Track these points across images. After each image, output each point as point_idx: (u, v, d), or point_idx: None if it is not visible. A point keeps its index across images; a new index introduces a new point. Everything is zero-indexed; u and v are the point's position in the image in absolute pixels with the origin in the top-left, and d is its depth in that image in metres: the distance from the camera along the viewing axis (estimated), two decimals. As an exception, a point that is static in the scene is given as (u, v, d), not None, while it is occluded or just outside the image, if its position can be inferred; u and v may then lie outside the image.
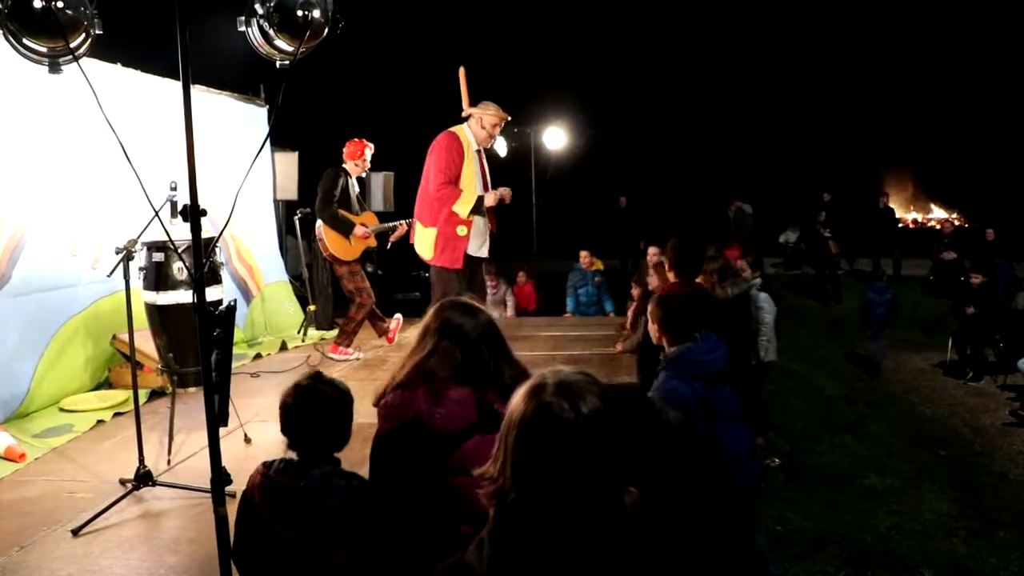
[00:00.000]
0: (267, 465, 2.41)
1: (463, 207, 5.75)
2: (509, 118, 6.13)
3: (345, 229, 6.49)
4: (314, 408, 2.38)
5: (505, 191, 5.94)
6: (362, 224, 6.56)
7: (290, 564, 2.29)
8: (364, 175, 7.02)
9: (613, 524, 1.48)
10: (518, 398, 1.55)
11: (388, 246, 6.94)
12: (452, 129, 5.99)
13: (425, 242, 5.89)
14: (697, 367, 3.19)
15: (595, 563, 1.46)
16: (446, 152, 5.81)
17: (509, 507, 1.51)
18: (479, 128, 5.94)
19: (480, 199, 5.84)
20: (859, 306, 10.41)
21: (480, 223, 5.89)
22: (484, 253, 6.02)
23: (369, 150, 6.74)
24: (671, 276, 4.32)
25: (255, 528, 2.36)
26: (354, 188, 6.78)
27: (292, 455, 2.40)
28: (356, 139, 6.79)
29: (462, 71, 6.03)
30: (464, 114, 6.01)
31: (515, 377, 2.32)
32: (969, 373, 8.97)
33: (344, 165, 6.69)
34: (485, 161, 6.10)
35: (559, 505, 1.47)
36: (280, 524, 2.29)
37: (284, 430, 2.41)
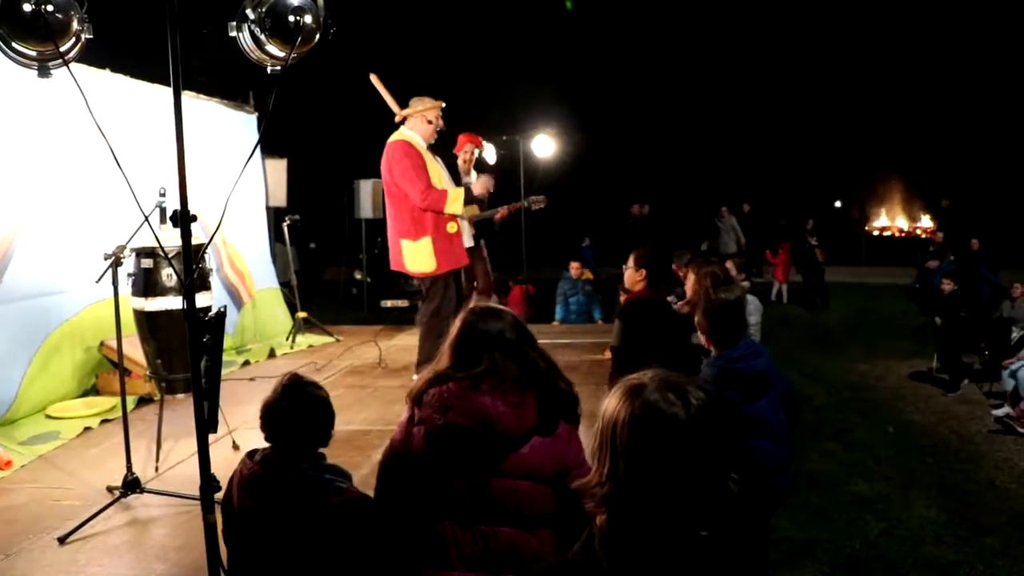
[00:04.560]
0: (251, 454, 2.44)
1: (456, 204, 5.45)
2: (444, 104, 5.78)
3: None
4: (299, 408, 2.40)
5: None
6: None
7: (276, 550, 2.31)
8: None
9: (726, 511, 1.51)
10: (615, 402, 1.56)
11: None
12: (397, 138, 5.61)
13: (421, 256, 5.51)
14: (730, 364, 3.39)
15: (715, 550, 1.49)
16: (408, 159, 5.44)
17: (625, 508, 1.52)
18: (423, 124, 5.62)
19: (468, 188, 5.70)
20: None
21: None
22: (471, 242, 5.93)
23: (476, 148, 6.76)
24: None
25: (238, 520, 2.38)
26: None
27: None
28: (466, 133, 6.74)
29: (374, 77, 5.75)
30: (398, 119, 5.69)
31: (552, 370, 2.33)
32: (959, 388, 8.82)
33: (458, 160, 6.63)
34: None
35: (679, 498, 1.49)
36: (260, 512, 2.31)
37: (269, 435, 2.42)
